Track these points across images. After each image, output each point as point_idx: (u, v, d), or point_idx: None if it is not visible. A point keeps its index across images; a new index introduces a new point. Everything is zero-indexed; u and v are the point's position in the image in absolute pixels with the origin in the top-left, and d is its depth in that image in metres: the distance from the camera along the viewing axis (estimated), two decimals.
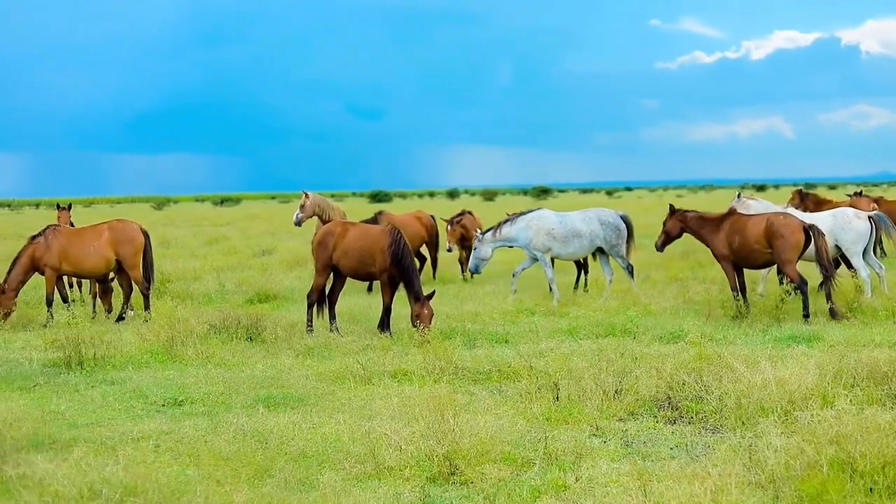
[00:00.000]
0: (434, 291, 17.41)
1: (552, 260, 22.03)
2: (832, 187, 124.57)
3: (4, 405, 12.23)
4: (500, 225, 22.16)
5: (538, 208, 23.02)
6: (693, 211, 20.34)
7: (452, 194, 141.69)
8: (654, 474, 8.93)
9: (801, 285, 18.37)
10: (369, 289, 24.25)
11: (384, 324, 17.60)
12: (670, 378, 12.22)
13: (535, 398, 12.01)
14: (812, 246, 18.61)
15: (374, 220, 23.95)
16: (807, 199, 26.37)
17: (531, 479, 9.20)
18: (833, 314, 18.13)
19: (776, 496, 8.35)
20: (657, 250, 21.20)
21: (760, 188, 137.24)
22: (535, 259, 21.99)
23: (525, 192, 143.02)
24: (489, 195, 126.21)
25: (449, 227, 26.51)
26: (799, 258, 18.77)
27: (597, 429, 11.00)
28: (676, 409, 11.61)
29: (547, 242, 21.67)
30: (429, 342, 15.26)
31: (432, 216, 27.21)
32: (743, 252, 18.99)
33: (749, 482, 8.54)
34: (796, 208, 24.67)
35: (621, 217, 22.18)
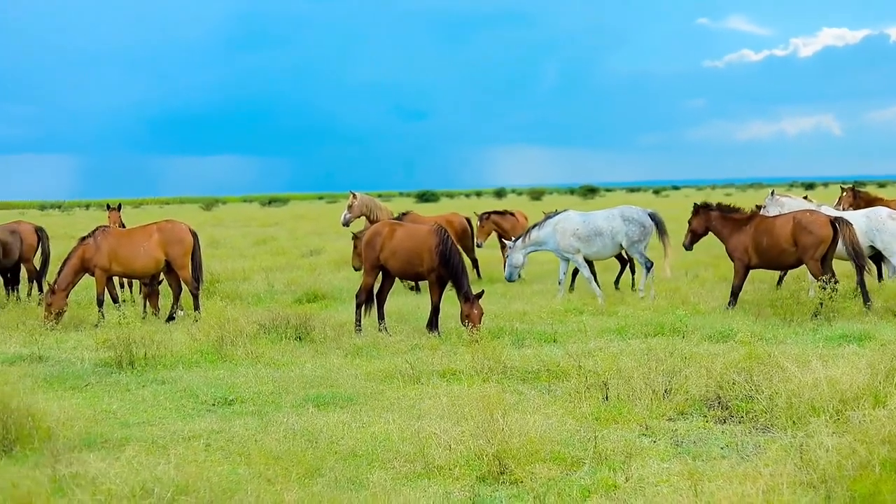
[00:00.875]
0: (483, 291, 17.36)
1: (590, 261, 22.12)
2: (882, 185, 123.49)
3: (57, 404, 12.34)
4: (528, 231, 22.29)
5: (565, 210, 23.01)
6: (717, 209, 20.41)
7: (499, 194, 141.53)
8: (704, 474, 8.88)
9: (823, 282, 18.30)
10: (417, 289, 24.27)
11: (432, 323, 17.59)
12: (720, 377, 12.15)
13: (585, 397, 11.99)
14: (843, 241, 18.93)
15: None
16: (858, 198, 26.10)
17: (581, 478, 9.19)
18: (866, 300, 18.26)
19: (828, 496, 8.27)
20: (685, 249, 21.42)
21: (809, 186, 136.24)
22: (568, 259, 22.01)
23: (572, 192, 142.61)
24: (536, 194, 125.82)
25: (479, 223, 26.39)
26: (832, 254, 19.01)
27: (646, 428, 10.96)
28: (726, 409, 11.55)
29: (573, 243, 21.73)
30: (477, 341, 15.25)
31: (467, 218, 26.92)
32: (772, 253, 19.31)
33: (801, 482, 8.47)
34: (849, 206, 24.51)
35: (649, 214, 22.06)
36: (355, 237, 23.49)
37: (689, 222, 20.84)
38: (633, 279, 23.69)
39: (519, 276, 22.67)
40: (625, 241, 21.67)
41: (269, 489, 8.55)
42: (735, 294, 19.60)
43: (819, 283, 18.23)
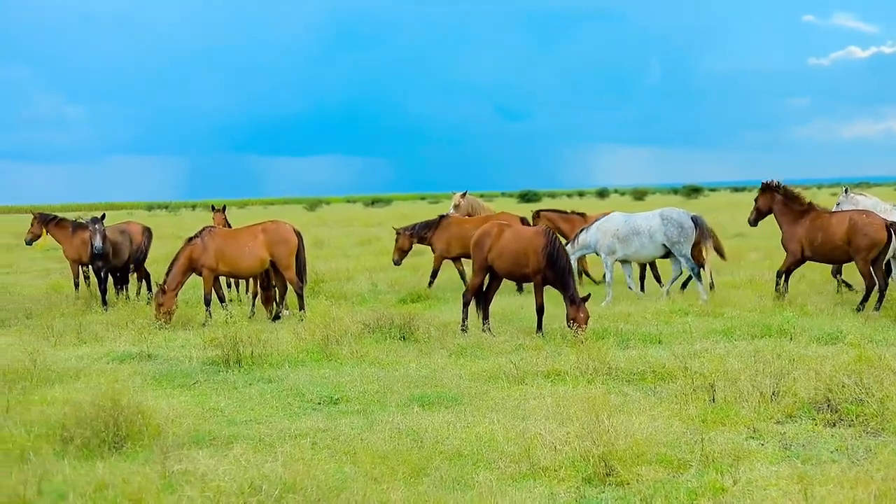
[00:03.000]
0: (589, 295, 17.20)
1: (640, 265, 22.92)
2: None
3: (166, 402, 12.55)
4: (577, 235, 22.62)
5: (612, 212, 23.11)
6: (783, 193, 20.90)
7: (602, 194, 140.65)
8: (814, 478, 8.75)
9: (870, 284, 18.91)
10: (519, 289, 24.18)
11: (541, 325, 17.48)
12: (829, 380, 11.94)
13: (691, 399, 11.87)
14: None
15: (433, 223, 23.93)
16: None
17: (688, 481, 9.10)
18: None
19: None
20: (750, 225, 22.14)
21: None
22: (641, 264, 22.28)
23: (675, 192, 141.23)
24: (639, 195, 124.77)
25: (532, 220, 26.05)
26: (884, 257, 19.33)
27: (754, 431, 10.82)
28: (836, 412, 11.34)
29: (612, 244, 21.99)
30: (582, 342, 15.20)
31: (522, 218, 25.20)
32: (825, 248, 19.75)
33: None
34: None
35: (692, 217, 21.89)
36: (397, 232, 23.83)
37: (756, 200, 21.53)
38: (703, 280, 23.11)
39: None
40: (667, 242, 21.60)
41: (375, 488, 8.61)
42: (780, 275, 20.26)
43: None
